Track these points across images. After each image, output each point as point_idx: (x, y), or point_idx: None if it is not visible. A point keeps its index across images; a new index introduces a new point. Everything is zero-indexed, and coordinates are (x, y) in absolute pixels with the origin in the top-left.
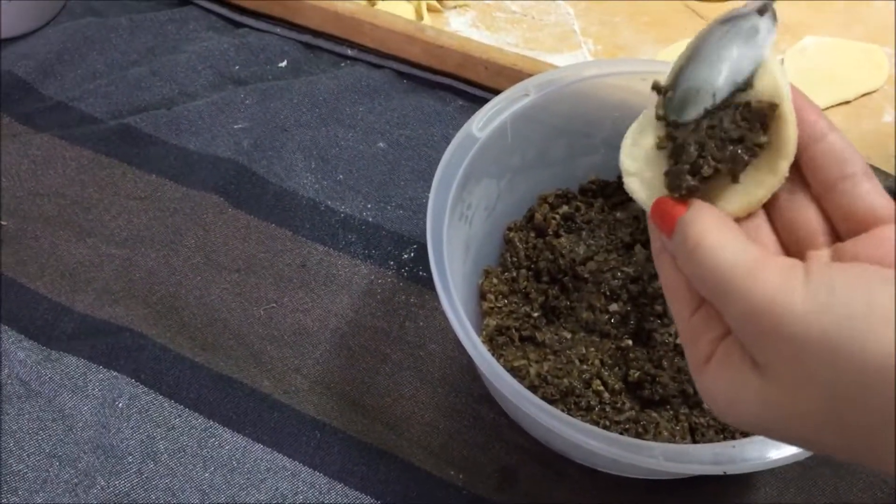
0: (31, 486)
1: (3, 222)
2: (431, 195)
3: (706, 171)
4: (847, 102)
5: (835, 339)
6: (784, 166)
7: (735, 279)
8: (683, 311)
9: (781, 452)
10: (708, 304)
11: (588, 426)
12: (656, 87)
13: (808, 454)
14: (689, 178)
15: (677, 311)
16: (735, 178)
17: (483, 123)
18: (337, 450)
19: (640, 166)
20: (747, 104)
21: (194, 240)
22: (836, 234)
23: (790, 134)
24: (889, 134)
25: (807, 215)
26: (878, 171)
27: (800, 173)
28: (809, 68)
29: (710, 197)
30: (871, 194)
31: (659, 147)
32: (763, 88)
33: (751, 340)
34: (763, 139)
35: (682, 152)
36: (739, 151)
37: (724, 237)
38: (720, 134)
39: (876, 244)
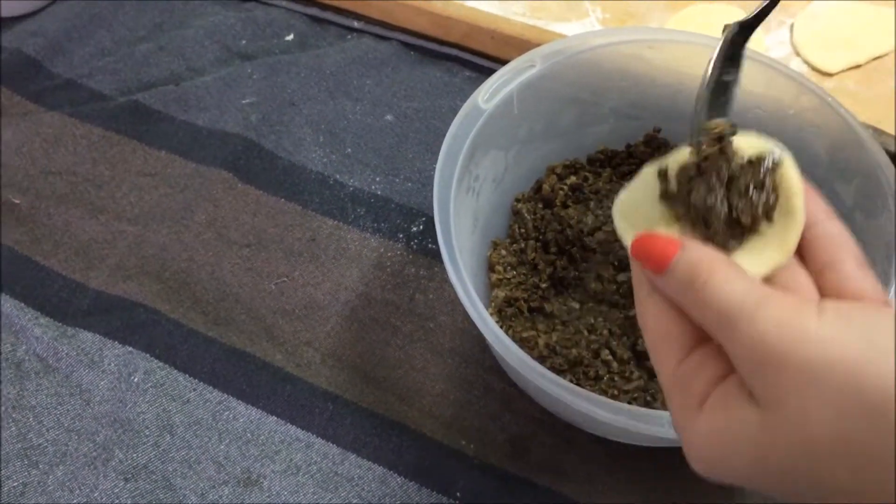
0: (50, 459)
1: (16, 200)
2: (438, 167)
3: (744, 218)
4: (858, 66)
5: (855, 361)
6: (791, 246)
7: (746, 307)
8: (670, 359)
9: None
10: (703, 346)
11: (595, 395)
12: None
13: None
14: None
15: (663, 358)
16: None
17: (489, 95)
18: (349, 421)
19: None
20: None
21: (205, 215)
22: None
23: (798, 220)
24: None
25: (806, 283)
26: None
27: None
28: (820, 33)
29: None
30: (860, 280)
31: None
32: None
33: (755, 372)
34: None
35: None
36: (764, 200)
37: (733, 272)
38: (740, 189)
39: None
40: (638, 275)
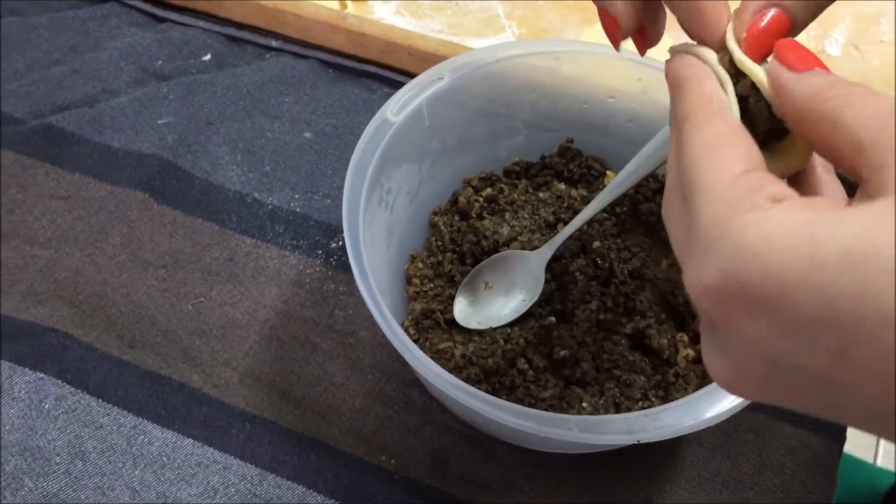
0: None
1: None
2: (347, 181)
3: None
4: None
5: None
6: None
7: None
8: (737, 162)
9: (695, 418)
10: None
11: (505, 402)
12: None
13: (722, 417)
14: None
15: (723, 160)
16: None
17: (398, 108)
18: (267, 441)
19: None
20: None
21: (119, 237)
22: None
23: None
24: None
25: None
26: None
27: None
28: None
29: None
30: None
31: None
32: None
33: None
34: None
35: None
36: None
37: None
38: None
39: None
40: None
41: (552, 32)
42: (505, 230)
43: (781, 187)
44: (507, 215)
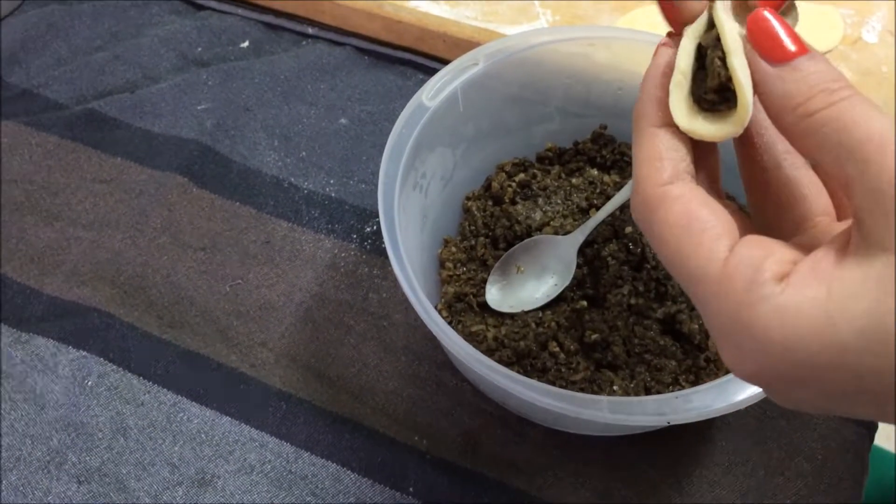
0: (4, 464)
1: None
2: (382, 164)
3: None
4: None
5: None
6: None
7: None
8: (719, 247)
9: (726, 400)
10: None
11: (536, 383)
12: None
13: (753, 400)
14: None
15: (706, 251)
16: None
17: (433, 93)
18: (303, 420)
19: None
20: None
21: (160, 220)
22: None
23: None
24: None
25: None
26: None
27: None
28: None
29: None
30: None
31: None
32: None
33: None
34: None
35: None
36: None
37: (869, 102)
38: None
39: None
40: (652, 167)
41: (586, 19)
42: (538, 215)
43: (777, 258)
44: (540, 200)
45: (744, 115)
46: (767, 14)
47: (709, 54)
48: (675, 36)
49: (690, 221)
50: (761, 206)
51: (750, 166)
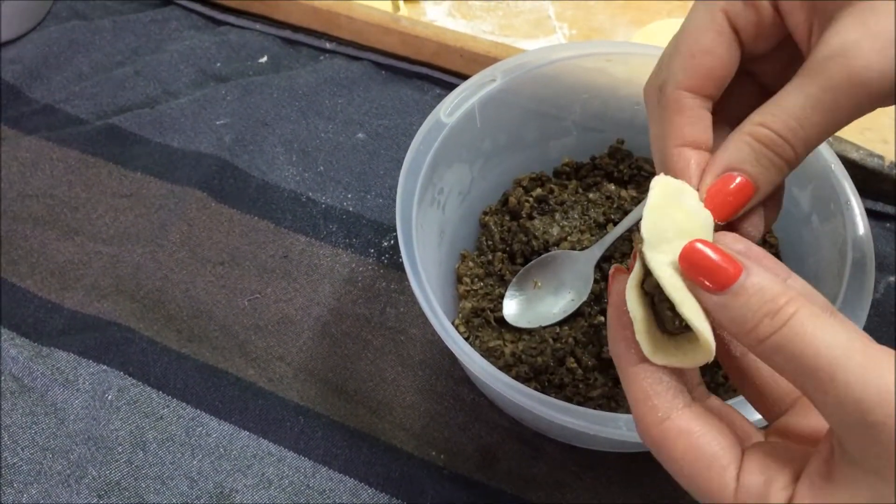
0: (25, 478)
1: None
2: (401, 180)
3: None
4: None
5: None
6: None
7: (843, 358)
8: (726, 482)
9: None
10: (755, 449)
11: (555, 400)
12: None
13: None
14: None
15: (716, 486)
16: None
17: (451, 109)
18: (320, 434)
19: None
20: None
21: (179, 235)
22: None
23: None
24: None
25: None
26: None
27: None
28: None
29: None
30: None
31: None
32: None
33: (861, 434)
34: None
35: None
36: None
37: (825, 314)
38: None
39: None
40: (645, 406)
41: (603, 33)
42: (555, 230)
43: (780, 485)
44: (557, 215)
45: (708, 351)
46: (698, 245)
47: (657, 304)
48: (622, 271)
49: (697, 457)
50: (743, 389)
51: (723, 354)
